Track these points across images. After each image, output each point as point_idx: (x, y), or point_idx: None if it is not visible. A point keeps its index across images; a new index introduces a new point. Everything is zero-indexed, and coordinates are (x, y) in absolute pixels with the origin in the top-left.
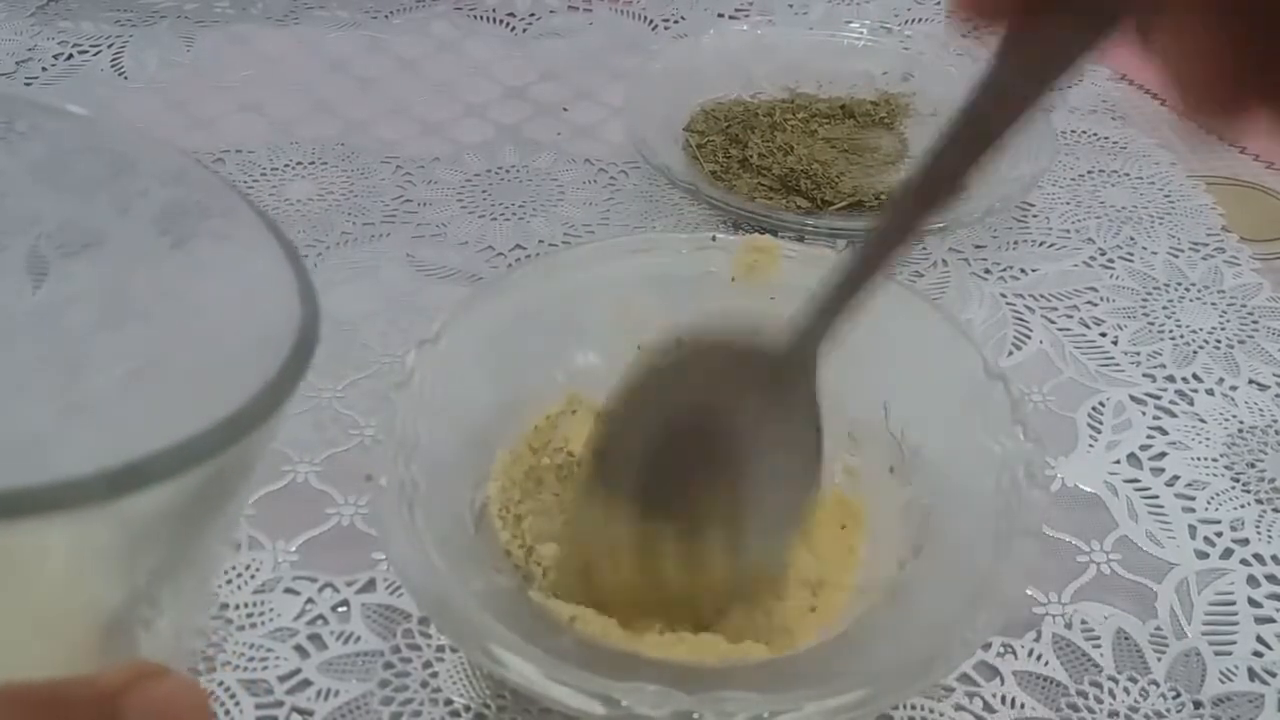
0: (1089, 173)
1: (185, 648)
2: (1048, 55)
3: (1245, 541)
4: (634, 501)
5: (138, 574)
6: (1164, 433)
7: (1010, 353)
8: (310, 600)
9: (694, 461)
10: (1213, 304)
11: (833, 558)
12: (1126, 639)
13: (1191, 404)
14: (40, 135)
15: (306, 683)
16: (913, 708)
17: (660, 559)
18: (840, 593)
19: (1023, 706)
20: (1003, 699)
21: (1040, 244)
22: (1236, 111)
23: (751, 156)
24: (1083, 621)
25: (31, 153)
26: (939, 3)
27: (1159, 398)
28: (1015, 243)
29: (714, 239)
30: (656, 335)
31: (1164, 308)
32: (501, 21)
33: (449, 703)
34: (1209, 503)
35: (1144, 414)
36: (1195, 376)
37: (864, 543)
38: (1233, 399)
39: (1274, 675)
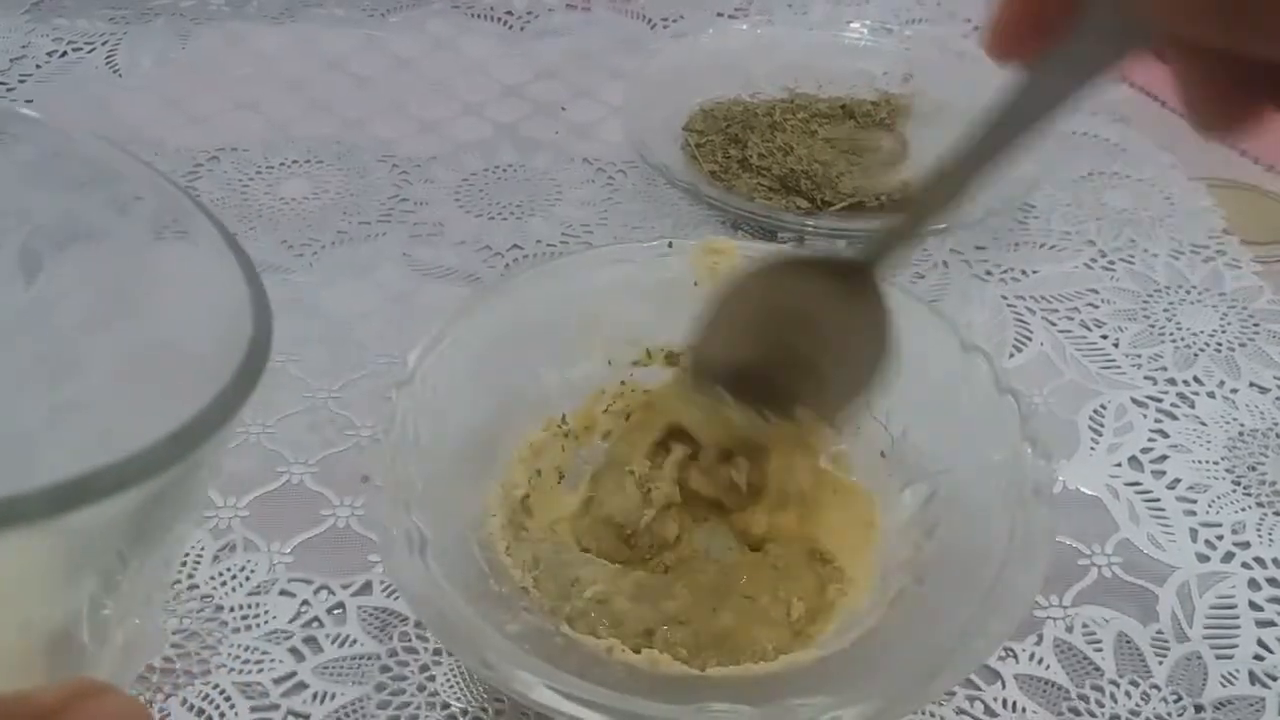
0: (1090, 174)
1: (131, 665)
2: (1070, 73)
3: (1246, 545)
4: (728, 385)
5: (80, 590)
6: (1165, 435)
7: (1011, 355)
8: (306, 602)
9: (780, 347)
10: (1214, 307)
11: (853, 552)
12: (1128, 642)
13: (1193, 407)
14: (21, 141)
15: (302, 685)
16: (914, 711)
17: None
18: (858, 591)
19: (1024, 710)
20: (1004, 702)
21: (1041, 246)
22: (1249, 119)
23: (751, 156)
24: (1084, 625)
25: (20, 154)
26: (939, 3)
27: (1160, 400)
28: (1016, 244)
29: (670, 245)
30: (626, 347)
31: (1165, 310)
32: (499, 20)
33: (446, 706)
34: (1210, 506)
35: (1145, 417)
36: (1196, 379)
37: (879, 545)
38: (1234, 402)
39: (1275, 679)
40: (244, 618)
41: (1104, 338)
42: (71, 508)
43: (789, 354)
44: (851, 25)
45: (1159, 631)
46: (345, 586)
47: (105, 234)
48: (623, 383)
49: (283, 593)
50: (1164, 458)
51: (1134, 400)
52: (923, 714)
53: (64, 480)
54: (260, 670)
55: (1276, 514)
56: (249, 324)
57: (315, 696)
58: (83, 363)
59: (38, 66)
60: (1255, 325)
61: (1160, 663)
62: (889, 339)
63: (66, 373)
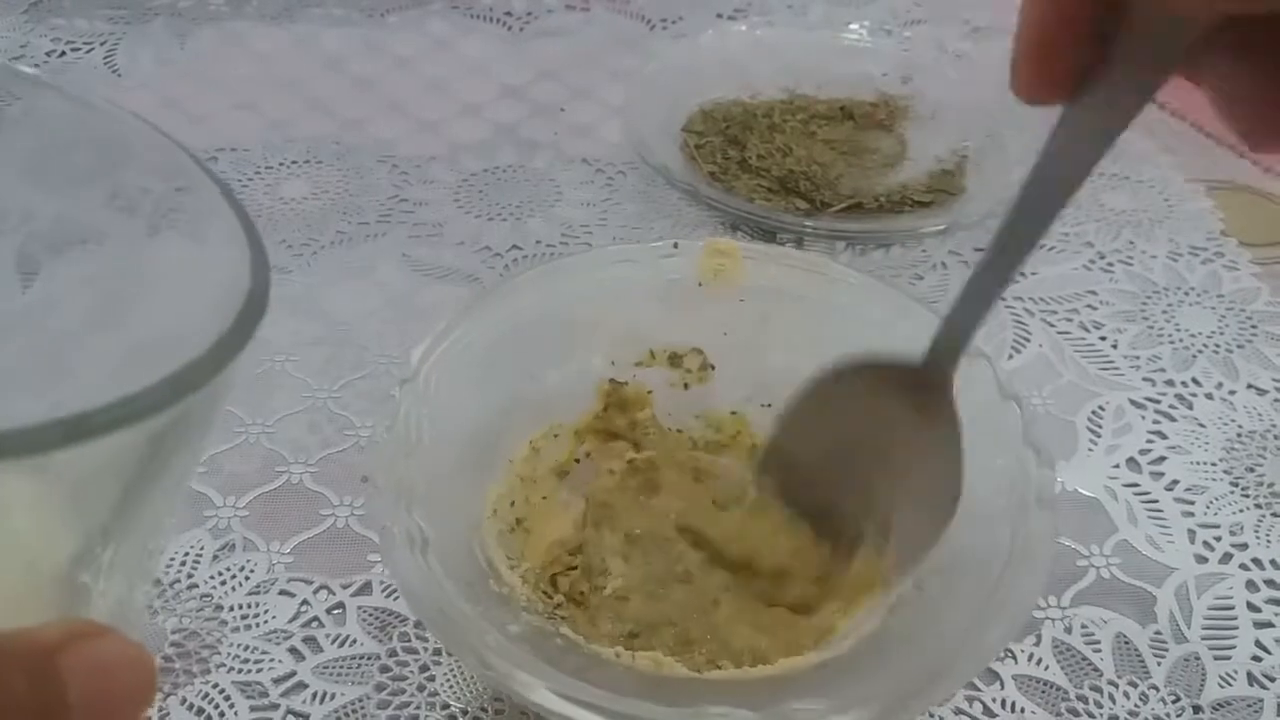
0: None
1: (130, 614)
2: (1108, 111)
3: (1244, 546)
4: (795, 502)
5: (81, 531)
6: (1163, 437)
7: (1010, 356)
8: (305, 602)
9: (850, 468)
10: (1212, 308)
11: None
12: (1126, 643)
13: (1191, 408)
14: (31, 120)
15: (302, 685)
16: (913, 717)
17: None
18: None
19: (1023, 711)
20: (1003, 703)
21: (1040, 247)
22: None
23: (750, 157)
24: (1082, 626)
25: (22, 143)
26: (939, 4)
27: (1158, 402)
28: None
29: (675, 246)
30: (629, 347)
31: (1163, 311)
32: (499, 20)
33: (445, 706)
34: (1208, 507)
35: (1143, 418)
36: (1194, 381)
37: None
38: (1232, 403)
39: (1273, 680)
40: (243, 617)
41: (1102, 339)
42: (74, 441)
43: (853, 480)
44: (851, 26)
45: (1157, 632)
46: (345, 586)
47: (102, 233)
48: (611, 380)
49: (282, 592)
50: (1162, 459)
51: (1132, 401)
52: (923, 716)
53: (67, 415)
54: (260, 670)
55: (1274, 515)
56: (247, 277)
57: (315, 696)
58: (79, 363)
59: (36, 66)
60: (1253, 327)
61: (1159, 663)
62: (960, 475)
63: (63, 373)
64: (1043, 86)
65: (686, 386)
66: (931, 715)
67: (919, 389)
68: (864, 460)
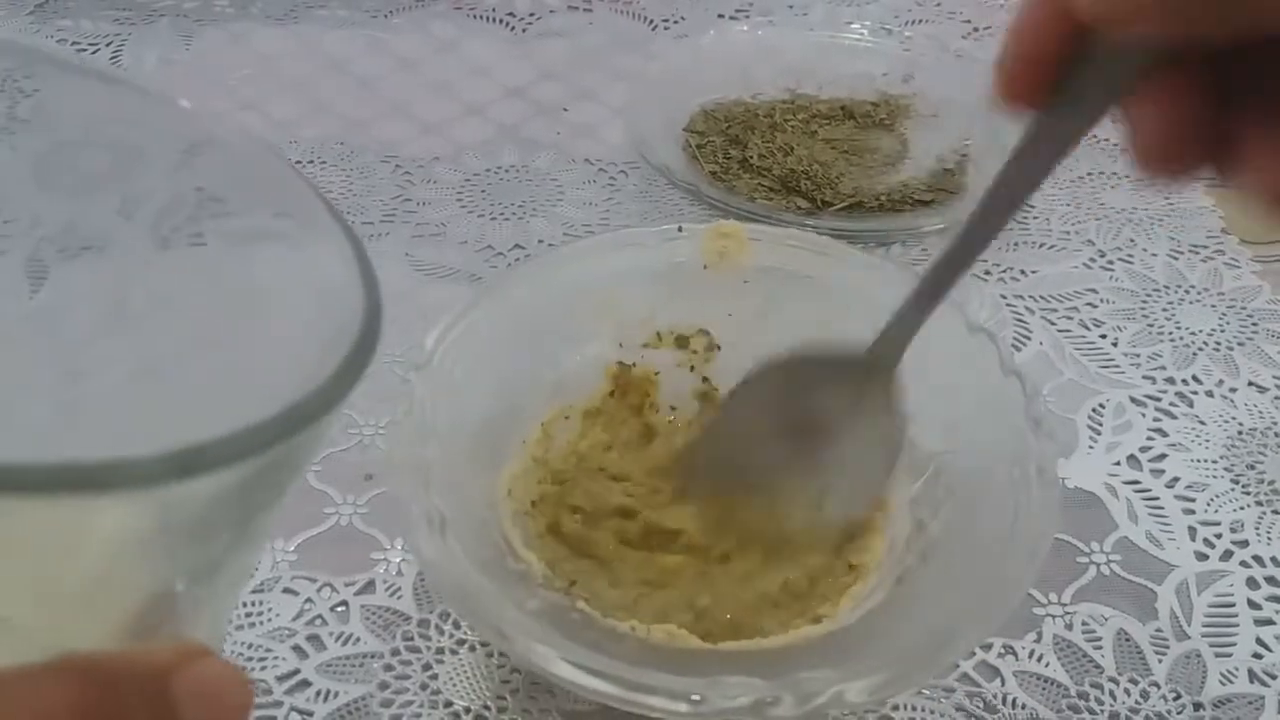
0: (1089, 175)
1: (220, 633)
2: (1070, 123)
3: (1245, 543)
4: (733, 475)
5: (187, 559)
6: (1164, 434)
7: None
8: (309, 600)
9: (789, 446)
10: (1212, 306)
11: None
12: (1127, 640)
13: (1191, 406)
14: (44, 123)
15: (305, 683)
16: (913, 709)
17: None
18: (868, 571)
19: (1024, 707)
20: (1004, 699)
21: (1040, 245)
22: (1186, 169)
23: (751, 157)
24: (1083, 623)
25: (34, 145)
26: (939, 4)
27: (1159, 399)
28: (1015, 244)
29: (680, 229)
30: (639, 330)
31: (1164, 309)
32: (501, 21)
33: (449, 704)
34: (1209, 504)
35: (1144, 415)
36: (1195, 378)
37: (887, 526)
38: (1232, 401)
39: (1274, 677)
40: (247, 615)
41: (1103, 337)
42: (189, 475)
43: (795, 461)
44: (851, 26)
45: (1158, 629)
46: (348, 584)
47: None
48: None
49: (286, 590)
50: (1163, 456)
51: (1133, 399)
52: (923, 712)
53: (180, 448)
54: (264, 668)
55: (1275, 512)
56: (360, 297)
57: (318, 694)
58: (93, 369)
59: None
60: (1254, 324)
61: (1159, 660)
62: (899, 448)
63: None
64: (1025, 91)
65: (693, 368)
66: (933, 712)
67: (861, 382)
68: (802, 451)
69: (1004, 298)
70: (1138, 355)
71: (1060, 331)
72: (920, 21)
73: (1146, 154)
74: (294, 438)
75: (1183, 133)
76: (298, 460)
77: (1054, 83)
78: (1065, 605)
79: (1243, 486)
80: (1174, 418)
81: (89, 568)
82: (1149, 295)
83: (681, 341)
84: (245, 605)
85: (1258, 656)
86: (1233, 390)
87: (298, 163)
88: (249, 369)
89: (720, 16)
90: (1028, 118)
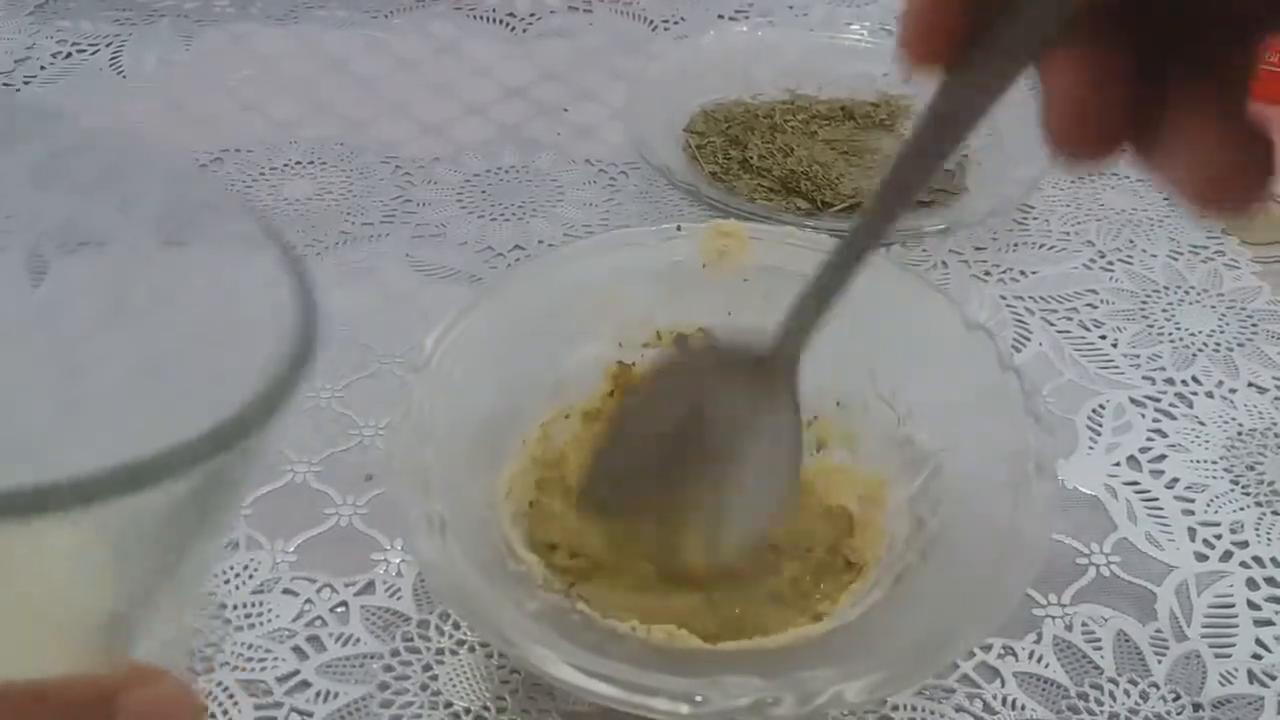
0: (1089, 175)
1: (180, 650)
2: (983, 82)
3: (1245, 544)
4: (631, 492)
5: (133, 576)
6: (1163, 435)
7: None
8: (309, 601)
9: (686, 452)
10: (1212, 307)
11: (862, 531)
12: (1126, 641)
13: (1191, 407)
14: (39, 138)
15: (305, 684)
16: (913, 709)
17: (652, 539)
18: (866, 569)
19: (1023, 708)
20: (1004, 700)
21: (1040, 246)
22: (1105, 146)
23: (751, 158)
24: (1083, 624)
25: (30, 154)
26: None
27: (1159, 400)
28: (1015, 245)
29: (679, 228)
30: (638, 330)
31: (1164, 310)
32: (502, 22)
33: (449, 705)
34: (1208, 505)
35: (1144, 416)
36: (1195, 379)
37: (886, 524)
38: (1232, 402)
39: (1274, 678)
40: (247, 616)
41: (1103, 338)
42: (127, 492)
43: (692, 473)
44: (851, 27)
45: (1158, 630)
46: (348, 585)
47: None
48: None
49: (286, 591)
50: (1162, 457)
51: (1132, 400)
52: (923, 713)
53: (119, 465)
54: (264, 668)
55: (1275, 513)
56: (295, 312)
57: (318, 695)
58: (93, 366)
59: (42, 68)
60: (1254, 325)
61: (1159, 661)
62: (797, 457)
63: (75, 375)
64: (931, 48)
65: None
66: (933, 712)
67: (761, 376)
68: (699, 460)
69: (1004, 298)
70: (1137, 356)
71: (1060, 332)
72: None
73: (1062, 122)
74: (220, 456)
75: (1100, 98)
76: (235, 472)
77: (960, 39)
78: (1065, 606)
79: (1242, 487)
80: (1174, 419)
81: (39, 592)
82: (1149, 296)
83: (680, 340)
84: (245, 606)
85: (1257, 657)
86: (1232, 391)
87: (298, 163)
88: (200, 379)
89: (720, 17)
90: (936, 79)
